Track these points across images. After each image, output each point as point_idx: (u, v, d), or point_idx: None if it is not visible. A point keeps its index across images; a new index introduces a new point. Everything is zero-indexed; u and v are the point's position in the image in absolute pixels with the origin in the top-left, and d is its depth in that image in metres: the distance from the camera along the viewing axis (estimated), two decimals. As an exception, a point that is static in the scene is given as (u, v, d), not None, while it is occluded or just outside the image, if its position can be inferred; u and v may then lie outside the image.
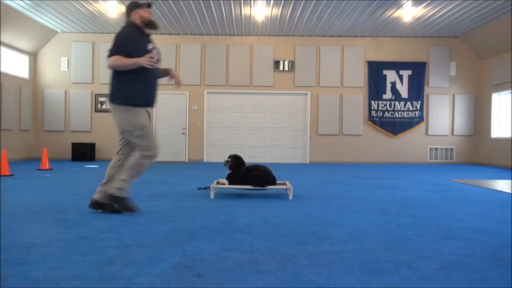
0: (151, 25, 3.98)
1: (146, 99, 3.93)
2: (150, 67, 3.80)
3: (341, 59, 12.74)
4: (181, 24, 11.60)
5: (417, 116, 12.71)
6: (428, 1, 9.51)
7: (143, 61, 3.74)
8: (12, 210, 4.11)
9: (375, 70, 12.71)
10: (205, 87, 12.72)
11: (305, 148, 12.83)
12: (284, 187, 5.25)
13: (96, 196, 4.05)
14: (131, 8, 4.00)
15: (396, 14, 10.49)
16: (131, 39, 3.85)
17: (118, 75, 3.86)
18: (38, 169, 8.92)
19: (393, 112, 12.71)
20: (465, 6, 9.78)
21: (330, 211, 4.28)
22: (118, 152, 4.16)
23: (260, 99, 12.84)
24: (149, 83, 3.94)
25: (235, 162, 5.41)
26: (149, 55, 3.78)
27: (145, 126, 3.89)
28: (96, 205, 4.04)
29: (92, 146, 12.37)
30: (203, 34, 12.66)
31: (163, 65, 13.95)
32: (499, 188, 6.47)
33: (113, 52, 3.79)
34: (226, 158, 5.51)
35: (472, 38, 12.18)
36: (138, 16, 3.95)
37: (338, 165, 11.69)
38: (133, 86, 3.85)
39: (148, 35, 4.03)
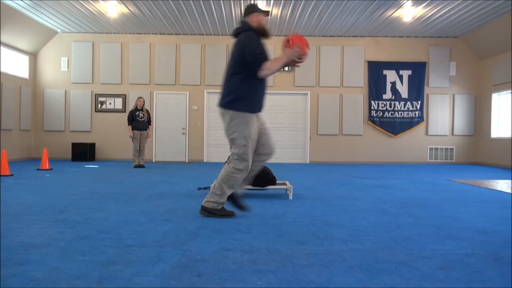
0: (265, 33, 3.85)
1: (260, 105, 3.80)
2: (300, 61, 3.64)
3: (341, 59, 12.74)
4: (181, 24, 11.60)
5: (417, 116, 12.71)
6: (428, 1, 9.51)
7: (292, 57, 3.57)
8: (12, 210, 4.11)
9: (375, 70, 12.71)
10: (205, 87, 12.73)
11: (305, 148, 12.83)
12: (284, 187, 5.25)
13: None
14: (252, 10, 3.89)
15: (396, 14, 10.49)
16: (261, 42, 3.74)
17: (245, 81, 3.67)
18: (38, 169, 8.92)
19: (393, 112, 12.71)
20: (465, 6, 9.78)
21: (330, 211, 4.28)
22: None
23: (260, 99, 12.81)
24: (264, 89, 3.84)
25: None
26: (295, 51, 3.57)
27: (250, 138, 3.69)
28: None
29: (92, 146, 12.37)
30: (203, 34, 12.66)
31: (163, 65, 13.81)
32: (499, 188, 6.47)
33: (262, 59, 3.60)
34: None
35: (472, 38, 12.18)
36: (257, 20, 3.83)
37: (338, 165, 11.69)
38: (256, 94, 3.72)
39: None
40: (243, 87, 3.68)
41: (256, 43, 3.69)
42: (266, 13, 3.92)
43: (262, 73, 3.61)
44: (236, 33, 3.86)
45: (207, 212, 3.84)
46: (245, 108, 3.68)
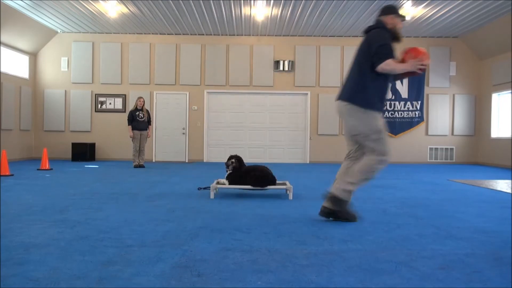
0: (398, 38, 3.77)
1: (383, 105, 3.77)
2: (420, 72, 3.63)
3: (341, 59, 12.74)
4: (181, 24, 11.60)
5: (417, 116, 12.71)
6: (428, 1, 9.51)
7: (415, 67, 3.55)
8: (12, 210, 4.11)
9: (375, 70, 12.69)
10: (205, 87, 12.73)
11: (305, 148, 12.83)
12: (284, 187, 5.25)
13: (326, 204, 3.82)
14: (391, 11, 3.80)
15: (396, 14, 10.47)
16: (391, 41, 3.69)
17: (371, 77, 3.63)
18: (38, 169, 8.92)
19: (393, 112, 12.71)
20: (465, 6, 9.78)
21: (330, 211, 4.28)
22: (349, 156, 3.91)
23: (260, 99, 12.84)
24: (387, 90, 3.79)
25: (240, 162, 5.43)
26: (418, 61, 3.56)
27: (382, 130, 3.66)
28: (328, 214, 3.80)
29: (92, 146, 12.37)
30: (203, 34, 12.66)
31: (163, 65, 13.81)
32: (499, 188, 6.47)
33: (388, 55, 3.55)
34: (227, 159, 5.50)
35: (472, 38, 12.18)
36: (393, 23, 3.76)
37: (338, 165, 11.62)
38: (380, 91, 3.68)
39: None
40: (368, 84, 3.64)
41: (386, 39, 3.63)
42: (403, 18, 3.85)
43: (382, 66, 3.53)
44: (368, 30, 3.78)
45: (334, 204, 3.71)
46: (366, 104, 3.63)
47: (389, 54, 3.56)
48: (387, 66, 3.53)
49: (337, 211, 3.73)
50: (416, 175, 8.76)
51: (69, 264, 2.40)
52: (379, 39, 3.61)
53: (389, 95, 12.67)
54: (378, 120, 3.66)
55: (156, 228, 3.39)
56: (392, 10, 3.81)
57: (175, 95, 12.73)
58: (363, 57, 3.67)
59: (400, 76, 3.82)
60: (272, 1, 9.78)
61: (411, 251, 2.77)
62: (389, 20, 3.77)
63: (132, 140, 10.00)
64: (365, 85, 3.64)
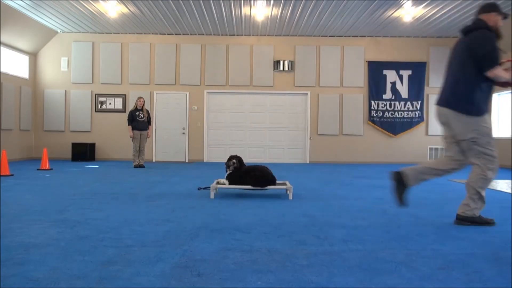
0: (499, 36, 3.62)
1: (489, 106, 3.69)
2: None
3: (341, 59, 12.74)
4: (181, 24, 11.60)
5: (417, 116, 12.71)
6: (428, 1, 9.51)
7: None
8: (12, 210, 4.11)
9: (375, 70, 12.71)
10: (205, 87, 12.72)
11: (305, 148, 12.83)
12: (284, 187, 5.25)
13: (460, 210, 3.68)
14: (492, 9, 3.64)
15: (396, 14, 10.49)
16: (497, 43, 3.56)
17: (477, 81, 3.51)
18: (38, 169, 8.92)
19: (393, 112, 12.71)
20: (465, 6, 9.79)
21: (330, 211, 4.28)
22: (452, 159, 3.75)
23: (260, 99, 12.84)
24: (492, 92, 3.69)
25: (240, 162, 5.43)
26: None
27: (491, 133, 3.61)
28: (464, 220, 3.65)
29: (92, 146, 12.37)
30: (203, 34, 12.66)
31: (163, 65, 13.76)
32: (499, 188, 6.47)
33: (497, 60, 3.44)
34: (228, 160, 5.49)
35: (472, 38, 12.16)
36: (495, 20, 3.61)
37: (338, 165, 11.69)
38: (487, 95, 3.58)
39: None
40: (477, 88, 3.52)
41: (493, 42, 3.51)
42: (505, 15, 3.69)
43: (494, 72, 3.43)
44: (468, 31, 3.64)
45: (467, 221, 3.60)
46: (481, 112, 3.54)
47: (498, 59, 3.44)
48: (497, 72, 3.44)
49: (475, 223, 3.62)
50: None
51: (69, 264, 2.40)
52: (488, 43, 3.48)
53: (389, 94, 12.68)
54: (488, 122, 3.59)
55: (156, 228, 3.39)
56: (493, 7, 3.64)
57: (175, 95, 12.73)
58: (468, 60, 3.53)
59: (499, 84, 3.64)
60: (272, 1, 9.78)
61: (411, 251, 2.77)
62: (491, 18, 3.60)
63: (132, 140, 10.00)
64: (473, 90, 3.51)
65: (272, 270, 2.33)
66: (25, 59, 12.17)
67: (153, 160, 12.63)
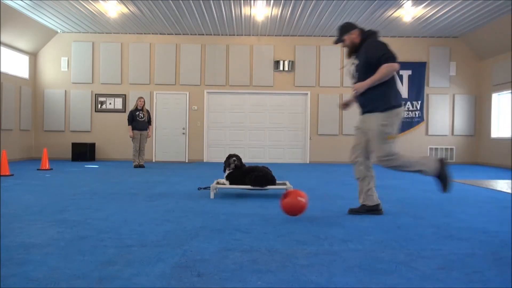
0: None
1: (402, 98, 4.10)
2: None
3: (341, 59, 12.74)
4: (181, 24, 11.60)
5: (417, 116, 12.71)
6: (428, 1, 9.51)
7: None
8: (12, 210, 4.11)
9: (375, 70, 12.69)
10: (205, 87, 12.73)
11: (305, 148, 12.83)
12: (284, 187, 5.25)
13: None
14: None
15: (396, 14, 10.49)
16: None
17: (384, 82, 3.89)
18: (38, 169, 8.92)
19: (393, 112, 12.68)
20: (465, 6, 9.78)
21: (330, 211, 4.28)
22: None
23: (260, 99, 12.84)
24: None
25: (240, 161, 5.43)
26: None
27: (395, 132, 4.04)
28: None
29: (92, 146, 12.37)
30: (203, 34, 12.66)
31: (163, 65, 13.79)
32: (499, 188, 6.47)
33: (392, 58, 3.81)
34: (227, 158, 5.49)
35: (472, 38, 12.18)
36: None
37: (338, 165, 11.69)
38: (396, 88, 4.00)
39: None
40: (386, 88, 3.97)
41: (386, 45, 3.92)
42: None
43: (385, 70, 3.82)
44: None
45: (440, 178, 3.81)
46: (395, 105, 4.05)
47: (394, 59, 3.88)
48: (392, 68, 3.87)
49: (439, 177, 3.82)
50: (416, 175, 8.74)
51: (69, 264, 2.40)
52: (383, 48, 3.91)
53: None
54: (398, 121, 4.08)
55: (156, 228, 3.39)
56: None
57: (175, 95, 12.73)
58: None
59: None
60: (272, 1, 9.78)
61: (411, 251, 2.77)
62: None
63: (132, 140, 10.00)
64: (388, 88, 4.00)
65: (272, 270, 2.33)
66: (25, 59, 12.17)
67: (153, 160, 12.64)
